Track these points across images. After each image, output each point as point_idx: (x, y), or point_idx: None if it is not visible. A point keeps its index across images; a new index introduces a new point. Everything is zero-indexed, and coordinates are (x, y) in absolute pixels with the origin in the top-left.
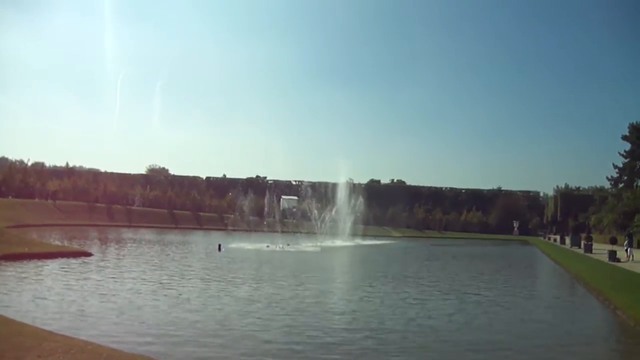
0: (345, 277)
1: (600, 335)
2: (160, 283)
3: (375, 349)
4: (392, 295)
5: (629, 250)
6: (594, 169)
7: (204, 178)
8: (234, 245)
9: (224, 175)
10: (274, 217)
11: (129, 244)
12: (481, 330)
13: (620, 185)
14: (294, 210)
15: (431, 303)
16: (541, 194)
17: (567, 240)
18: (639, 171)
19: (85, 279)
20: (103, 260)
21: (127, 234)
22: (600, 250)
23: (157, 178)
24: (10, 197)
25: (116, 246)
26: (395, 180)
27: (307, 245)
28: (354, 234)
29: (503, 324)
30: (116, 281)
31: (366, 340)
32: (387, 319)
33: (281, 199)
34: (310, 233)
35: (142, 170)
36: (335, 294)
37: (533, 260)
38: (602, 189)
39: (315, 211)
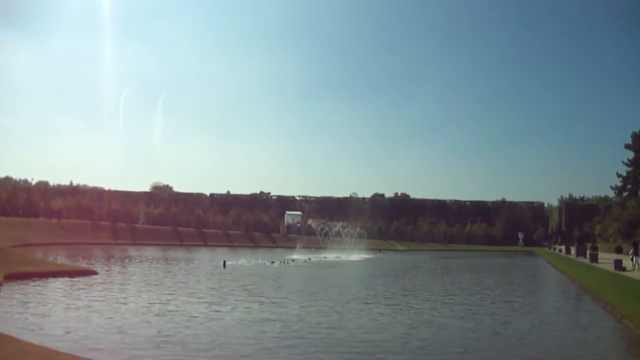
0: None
1: (606, 343)
2: (167, 301)
3: None
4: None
5: (634, 259)
6: (597, 178)
7: (208, 195)
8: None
9: (228, 192)
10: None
11: (134, 262)
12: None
13: (625, 194)
14: (299, 225)
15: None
16: (545, 205)
17: (573, 250)
18: None
19: (90, 297)
20: (108, 279)
21: (132, 251)
22: (606, 259)
23: (161, 195)
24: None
25: (121, 264)
26: (399, 194)
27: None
28: (359, 248)
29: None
30: (122, 300)
31: None
32: None
33: (285, 215)
34: (316, 248)
35: (146, 187)
36: None
37: (540, 271)
38: (606, 198)
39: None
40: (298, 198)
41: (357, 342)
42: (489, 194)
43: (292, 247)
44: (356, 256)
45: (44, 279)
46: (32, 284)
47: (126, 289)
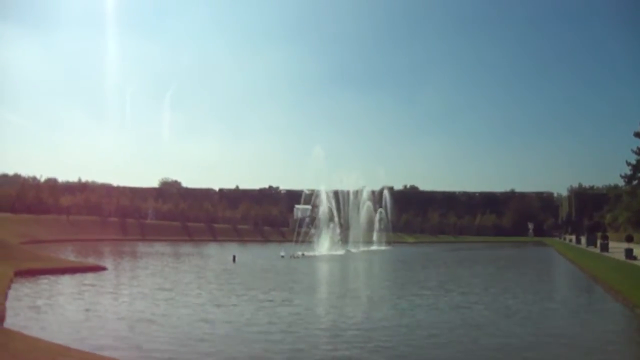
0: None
1: (619, 333)
2: (179, 297)
3: None
4: None
5: None
6: (607, 167)
7: (217, 190)
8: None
9: (237, 187)
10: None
11: (144, 258)
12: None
13: (635, 183)
14: (308, 219)
15: None
16: (555, 195)
17: (583, 240)
18: None
19: (99, 293)
20: (118, 275)
21: (141, 247)
22: (617, 248)
23: (169, 191)
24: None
25: (130, 260)
26: (408, 186)
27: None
28: (369, 241)
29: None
30: (132, 296)
31: None
32: None
33: (294, 209)
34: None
35: (154, 183)
36: None
37: (552, 261)
38: (616, 187)
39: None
40: (307, 192)
41: None
42: (498, 185)
43: (302, 241)
44: (365, 248)
45: (54, 276)
46: (42, 280)
47: (136, 285)
